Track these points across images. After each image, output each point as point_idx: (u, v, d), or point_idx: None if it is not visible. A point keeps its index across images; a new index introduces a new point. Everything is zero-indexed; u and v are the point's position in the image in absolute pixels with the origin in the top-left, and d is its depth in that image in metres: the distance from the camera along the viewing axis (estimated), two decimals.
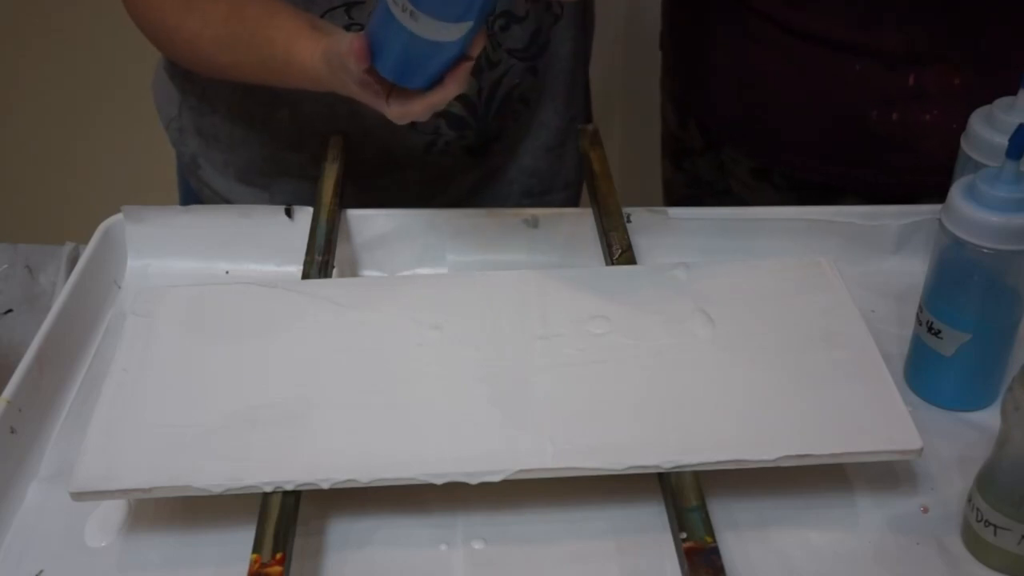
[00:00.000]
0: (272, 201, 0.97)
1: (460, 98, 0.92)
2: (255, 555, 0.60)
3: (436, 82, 0.71)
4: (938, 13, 0.88)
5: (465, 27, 0.67)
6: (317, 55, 0.76)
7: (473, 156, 0.97)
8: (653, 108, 1.23)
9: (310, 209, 0.87)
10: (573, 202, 1.08)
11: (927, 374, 0.76)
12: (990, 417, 0.73)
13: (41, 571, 0.65)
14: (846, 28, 0.91)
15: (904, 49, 0.89)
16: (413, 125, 0.93)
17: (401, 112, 0.72)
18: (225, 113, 0.96)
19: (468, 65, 0.70)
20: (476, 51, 0.70)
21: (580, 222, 0.89)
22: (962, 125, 0.80)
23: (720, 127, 1.06)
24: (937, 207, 0.72)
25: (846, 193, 0.98)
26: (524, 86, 0.96)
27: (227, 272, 0.88)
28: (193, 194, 1.04)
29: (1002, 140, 0.69)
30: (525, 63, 0.95)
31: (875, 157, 0.96)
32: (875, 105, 0.93)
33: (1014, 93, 0.77)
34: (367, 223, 0.89)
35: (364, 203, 0.90)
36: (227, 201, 1.00)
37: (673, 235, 0.89)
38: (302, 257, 0.83)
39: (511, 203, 1.02)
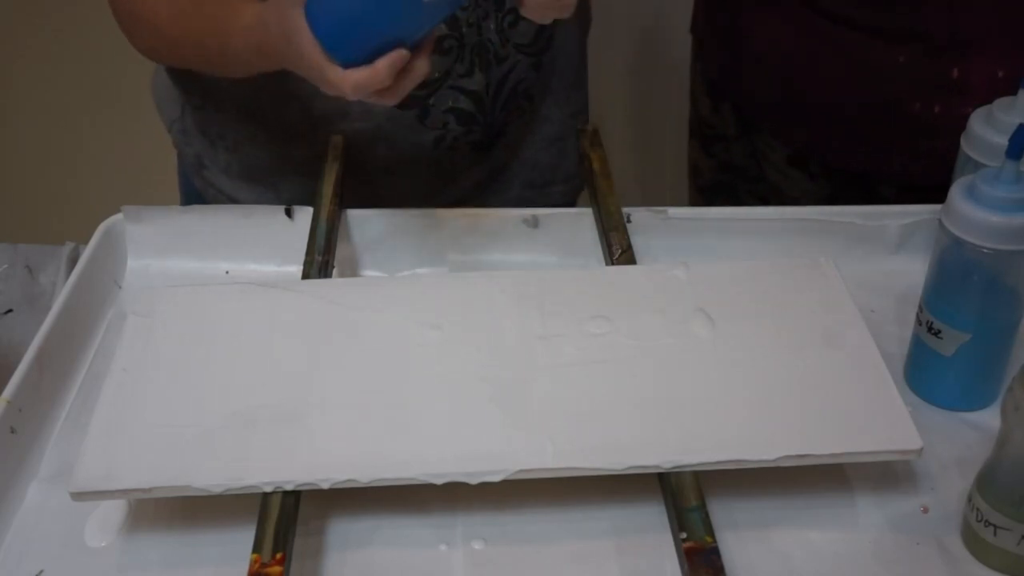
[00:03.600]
0: (279, 200, 0.97)
1: (468, 94, 0.93)
2: (255, 555, 0.60)
3: (365, 62, 0.69)
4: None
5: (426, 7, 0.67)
6: (267, 14, 0.75)
7: (479, 151, 0.98)
8: (654, 107, 1.23)
9: (310, 209, 0.87)
10: (574, 195, 1.09)
11: (927, 374, 0.76)
12: (990, 417, 0.73)
13: (41, 571, 0.65)
14: (890, 14, 0.90)
15: (949, 37, 0.89)
16: (422, 121, 0.93)
17: (335, 80, 0.71)
18: (233, 112, 0.96)
19: (403, 55, 0.69)
20: (421, 47, 0.71)
21: (580, 222, 0.89)
22: None
23: (756, 113, 1.05)
24: (937, 207, 0.72)
25: (881, 182, 0.98)
26: (529, 81, 0.97)
27: (227, 272, 0.88)
28: (196, 194, 1.03)
29: (1002, 140, 0.69)
30: (531, 58, 0.96)
31: (914, 148, 0.95)
32: (917, 97, 0.92)
33: None
34: (367, 223, 0.89)
35: (365, 203, 0.90)
36: (233, 200, 1.00)
37: (673, 235, 0.89)
38: (302, 257, 0.83)
39: (513, 196, 1.02)
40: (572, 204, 1.09)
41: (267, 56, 0.77)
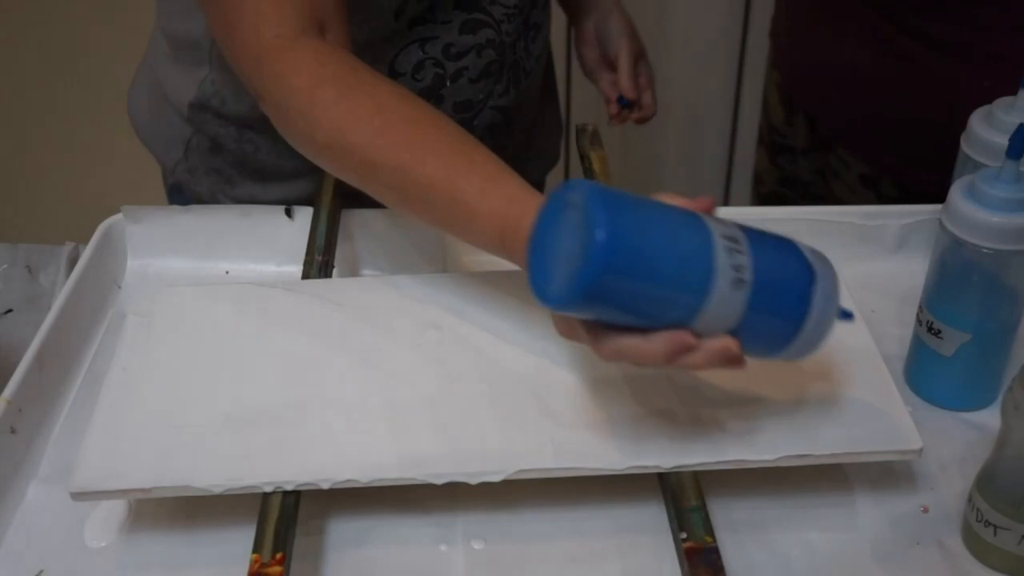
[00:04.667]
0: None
1: (501, 110, 0.96)
2: (255, 555, 0.60)
3: (640, 329, 0.57)
4: None
5: (732, 312, 0.57)
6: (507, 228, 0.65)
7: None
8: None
9: (310, 209, 0.87)
10: (547, 169, 1.14)
11: (927, 374, 0.76)
12: (990, 417, 0.73)
13: (41, 571, 0.65)
14: (975, 35, 0.88)
15: None
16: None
17: (609, 350, 0.59)
18: (270, 145, 0.95)
19: (688, 339, 0.57)
20: (711, 341, 0.58)
21: None
22: None
23: (834, 127, 1.04)
24: (937, 207, 0.72)
25: None
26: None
27: (227, 272, 0.88)
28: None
29: (1002, 140, 0.69)
30: (541, 65, 0.99)
31: None
32: None
33: None
34: (367, 223, 0.89)
35: (364, 203, 0.90)
36: None
37: None
38: (302, 257, 0.83)
39: None
40: (545, 177, 1.15)
41: (506, 247, 0.66)
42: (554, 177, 1.21)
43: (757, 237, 0.58)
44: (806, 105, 1.08)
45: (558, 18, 1.12)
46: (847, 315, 0.62)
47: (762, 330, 0.58)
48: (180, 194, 1.01)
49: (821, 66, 1.04)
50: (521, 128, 1.02)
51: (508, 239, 0.64)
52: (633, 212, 0.55)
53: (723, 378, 0.70)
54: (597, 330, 0.58)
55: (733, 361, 0.58)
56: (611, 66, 1.12)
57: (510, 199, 0.65)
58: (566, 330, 0.62)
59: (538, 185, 1.16)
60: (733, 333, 0.57)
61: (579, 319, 0.58)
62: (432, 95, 0.92)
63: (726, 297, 0.55)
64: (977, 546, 0.65)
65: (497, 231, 0.65)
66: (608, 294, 0.54)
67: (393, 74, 0.90)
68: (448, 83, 0.92)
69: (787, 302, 0.58)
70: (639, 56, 1.11)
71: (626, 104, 1.08)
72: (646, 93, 1.10)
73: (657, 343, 0.57)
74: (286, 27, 0.71)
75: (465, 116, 0.94)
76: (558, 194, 0.57)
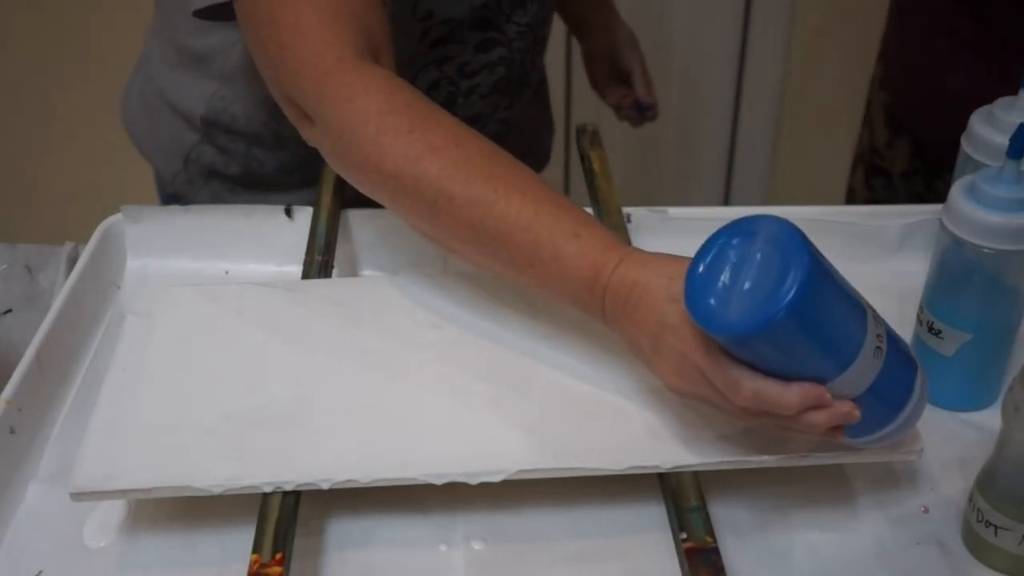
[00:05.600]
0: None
1: (505, 121, 0.98)
2: (255, 555, 0.60)
3: (784, 374, 0.58)
4: None
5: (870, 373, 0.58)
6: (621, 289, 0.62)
7: None
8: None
9: (310, 209, 0.87)
10: (540, 167, 1.15)
11: (927, 374, 0.75)
12: (990, 417, 0.73)
13: (41, 571, 0.65)
14: None
15: None
16: None
17: (749, 391, 0.58)
18: (277, 162, 0.95)
19: (824, 395, 0.58)
20: (841, 403, 0.59)
21: None
22: None
23: (942, 152, 1.03)
24: (937, 207, 0.72)
25: None
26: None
27: (227, 272, 0.88)
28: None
29: (1003, 140, 0.69)
30: (540, 74, 1.02)
31: None
32: None
33: None
34: (367, 223, 0.89)
35: (364, 203, 0.90)
36: None
37: (673, 235, 0.88)
38: (302, 257, 0.83)
39: None
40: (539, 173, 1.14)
41: (594, 293, 0.64)
42: (550, 179, 1.21)
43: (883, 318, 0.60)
44: (914, 128, 1.08)
45: (558, 19, 1.12)
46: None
47: (874, 406, 0.60)
48: (177, 204, 1.01)
49: (936, 92, 1.04)
50: (517, 134, 1.02)
51: (599, 285, 0.63)
52: (821, 256, 0.57)
53: None
54: (737, 372, 0.58)
55: (844, 426, 0.60)
56: (621, 78, 1.17)
57: (605, 245, 0.64)
58: (687, 386, 0.61)
59: None
60: None
61: (725, 357, 0.58)
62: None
63: (867, 362, 0.57)
64: (978, 546, 0.65)
65: (587, 275, 0.63)
66: (787, 332, 0.55)
67: None
68: (460, 100, 0.92)
69: (900, 382, 0.60)
70: (644, 64, 1.17)
71: (642, 110, 1.17)
72: (654, 96, 1.17)
73: (795, 392, 0.57)
74: (347, 51, 0.68)
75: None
76: (734, 227, 0.58)
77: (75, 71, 1.81)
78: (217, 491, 0.63)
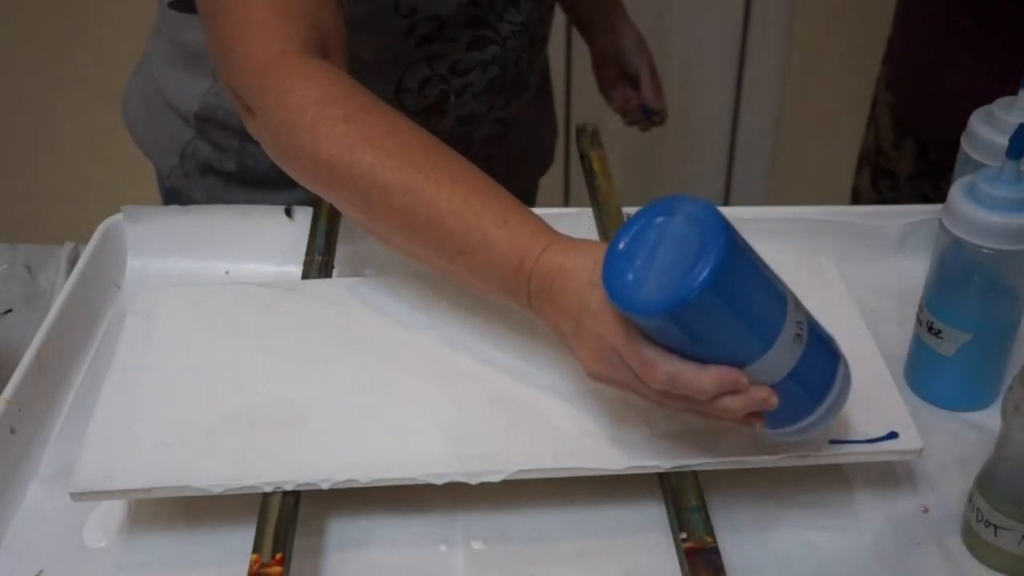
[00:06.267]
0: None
1: (501, 122, 0.98)
2: (255, 555, 0.60)
3: (700, 358, 0.57)
4: None
5: (792, 357, 0.58)
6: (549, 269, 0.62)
7: (491, 158, 1.01)
8: None
9: (310, 209, 0.87)
10: (543, 172, 1.16)
11: (927, 374, 0.75)
12: (990, 417, 0.73)
13: (41, 571, 0.65)
14: None
15: None
16: (464, 152, 0.96)
17: (664, 373, 0.58)
18: (271, 160, 0.95)
19: (741, 379, 0.57)
20: (758, 388, 0.58)
21: (580, 222, 0.89)
22: None
23: (946, 154, 1.03)
24: (937, 207, 0.72)
25: None
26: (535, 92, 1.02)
27: (227, 272, 0.88)
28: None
29: (1002, 140, 0.69)
30: (539, 74, 1.02)
31: None
32: None
33: None
34: None
35: None
36: None
37: None
38: (302, 257, 0.83)
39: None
40: (538, 179, 1.17)
41: (519, 281, 0.64)
42: (550, 179, 1.21)
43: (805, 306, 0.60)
44: (918, 130, 1.08)
45: (558, 18, 1.12)
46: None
47: (793, 395, 0.59)
48: (175, 199, 1.01)
49: (938, 92, 1.04)
50: (517, 135, 1.02)
51: (525, 270, 0.63)
52: (741, 237, 0.56)
53: None
54: (653, 354, 0.57)
55: (763, 411, 0.59)
56: (630, 81, 1.16)
57: (533, 231, 0.64)
58: (605, 369, 0.61)
59: (532, 188, 1.17)
60: None
61: (642, 340, 0.58)
62: (436, 110, 0.92)
63: (786, 348, 0.57)
64: (977, 546, 0.65)
65: (513, 260, 0.63)
66: (703, 311, 0.54)
67: (400, 91, 0.90)
68: (452, 98, 0.92)
69: (821, 372, 0.60)
70: (653, 67, 1.16)
71: (649, 113, 1.16)
72: (663, 100, 1.16)
73: (711, 375, 0.57)
74: (292, 45, 0.69)
75: (467, 129, 0.95)
76: (656, 207, 0.57)
77: (75, 71, 1.81)
78: (217, 491, 0.63)
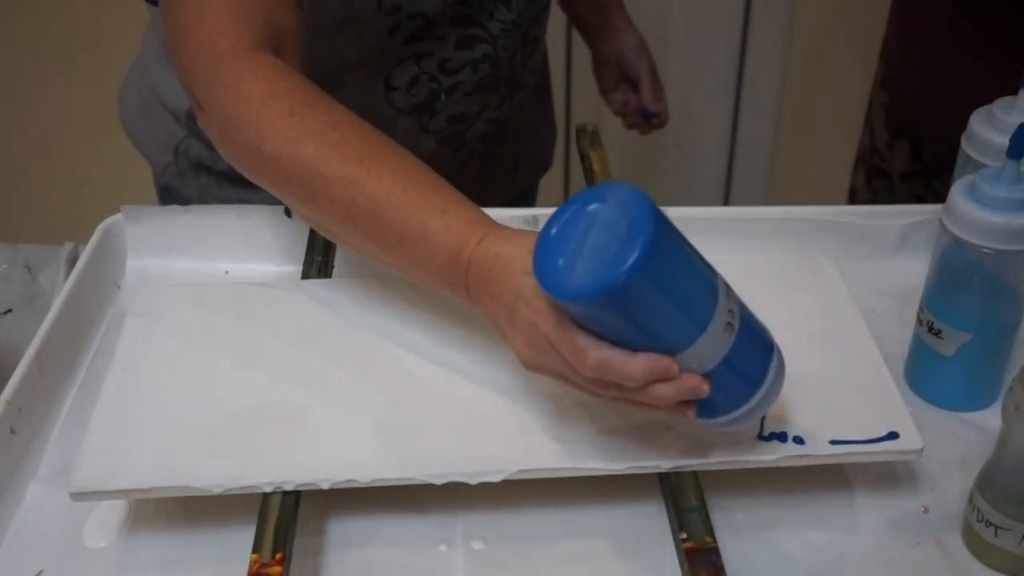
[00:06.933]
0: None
1: (495, 122, 0.97)
2: (255, 555, 0.60)
3: (630, 345, 0.57)
4: None
5: (722, 347, 0.57)
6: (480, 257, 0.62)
7: (489, 159, 1.01)
8: None
9: None
10: (541, 174, 1.16)
11: (928, 374, 0.75)
12: (991, 417, 0.73)
13: (41, 571, 0.65)
14: None
15: None
16: (457, 151, 0.97)
17: (594, 360, 0.57)
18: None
19: (672, 367, 0.57)
20: (688, 376, 0.58)
21: None
22: None
23: (939, 153, 1.03)
24: (938, 207, 0.72)
25: None
26: (531, 95, 1.02)
27: (227, 272, 0.88)
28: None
29: (1003, 140, 0.69)
30: (537, 77, 1.02)
31: None
32: None
33: None
34: None
35: None
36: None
37: None
38: (302, 257, 0.83)
39: (502, 184, 1.06)
40: (538, 180, 1.17)
41: (456, 270, 0.64)
42: (550, 181, 1.21)
43: (738, 296, 0.60)
44: (912, 129, 1.08)
45: (557, 17, 1.12)
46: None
47: (725, 384, 0.59)
48: (170, 196, 1.01)
49: (932, 91, 1.04)
50: (514, 135, 1.02)
51: (463, 259, 0.63)
52: (671, 224, 0.56)
53: None
54: (583, 340, 0.57)
55: (694, 400, 0.59)
56: (630, 84, 1.16)
57: (472, 221, 0.64)
58: (538, 357, 0.61)
59: (531, 190, 1.17)
60: None
61: (573, 327, 0.57)
62: (426, 109, 0.92)
63: (716, 337, 0.57)
64: (978, 546, 0.65)
65: (451, 250, 0.63)
66: (631, 297, 0.54)
67: (388, 89, 0.90)
68: (443, 97, 0.92)
69: (753, 362, 0.60)
70: (654, 71, 1.16)
71: (647, 117, 1.16)
72: (663, 104, 1.16)
73: (641, 362, 0.57)
74: (243, 41, 0.70)
75: (459, 128, 0.95)
76: (588, 193, 0.57)
77: (75, 71, 1.81)
78: (217, 491, 0.63)
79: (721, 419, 0.60)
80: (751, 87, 1.83)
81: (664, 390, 0.58)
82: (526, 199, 1.16)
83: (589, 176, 0.92)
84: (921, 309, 0.74)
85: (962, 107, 0.88)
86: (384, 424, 0.67)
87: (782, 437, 0.65)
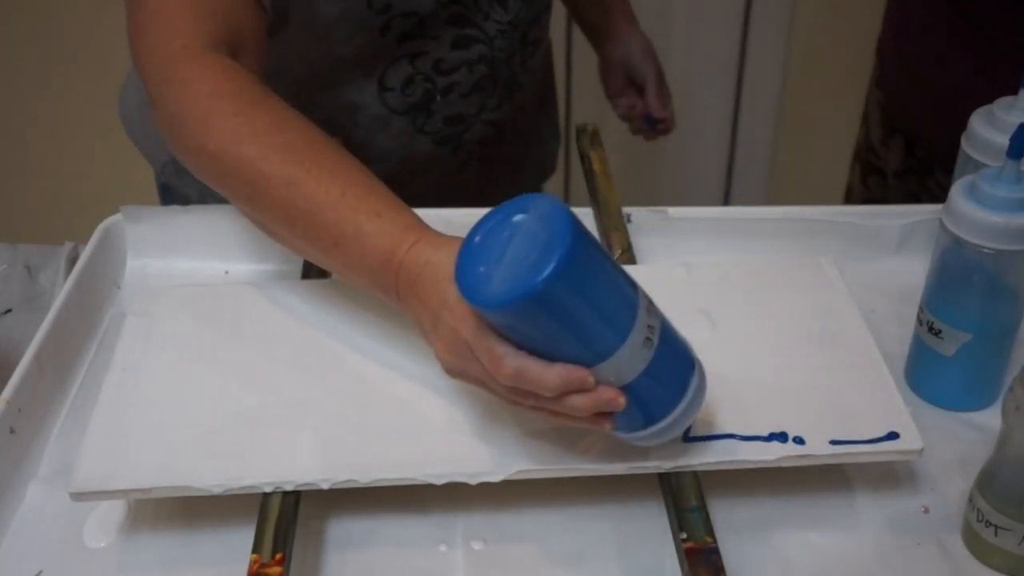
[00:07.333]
0: None
1: (494, 124, 0.98)
2: (255, 555, 0.60)
3: (547, 355, 0.57)
4: None
5: (642, 356, 0.58)
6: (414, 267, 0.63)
7: (489, 161, 1.01)
8: None
9: None
10: (545, 177, 1.16)
11: (928, 374, 0.75)
12: (991, 417, 0.73)
13: (40, 571, 0.64)
14: None
15: None
16: (455, 152, 0.97)
17: (511, 368, 0.58)
18: None
19: (587, 378, 0.57)
20: (604, 388, 0.58)
21: None
22: None
23: (932, 151, 1.03)
24: (938, 207, 0.72)
25: None
26: (531, 96, 1.02)
27: (227, 272, 0.88)
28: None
29: (1003, 140, 0.69)
30: (538, 77, 1.02)
31: None
32: None
33: None
34: None
35: None
36: None
37: (673, 235, 0.88)
38: (302, 257, 0.83)
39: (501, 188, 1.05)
40: (542, 185, 1.17)
41: (388, 272, 0.65)
42: (551, 186, 1.21)
43: (661, 312, 0.60)
44: (906, 126, 1.08)
45: (557, 17, 1.12)
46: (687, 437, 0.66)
47: (643, 398, 0.59)
48: (170, 194, 1.01)
49: (926, 89, 1.04)
50: (514, 138, 1.02)
51: (394, 263, 0.63)
52: (591, 237, 0.56)
53: (724, 378, 0.70)
54: (501, 348, 0.58)
55: (607, 413, 0.59)
56: (636, 88, 1.15)
57: (405, 226, 0.65)
58: (458, 363, 0.61)
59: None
60: None
61: (492, 335, 0.58)
62: (422, 109, 0.92)
63: (635, 351, 0.57)
64: (978, 546, 0.65)
65: (384, 253, 0.64)
66: (547, 307, 0.54)
67: (383, 89, 0.90)
68: (438, 97, 0.92)
69: (672, 378, 0.60)
70: (661, 76, 1.15)
71: (653, 122, 1.15)
72: (669, 110, 1.15)
73: (556, 372, 0.57)
74: (198, 40, 0.71)
75: (456, 130, 0.95)
76: (512, 204, 0.58)
77: (75, 71, 1.81)
78: (217, 491, 0.63)
79: (640, 433, 0.61)
80: (751, 87, 1.83)
81: (580, 401, 0.58)
82: None
83: (589, 176, 0.92)
84: (921, 309, 0.74)
85: (954, 105, 0.88)
86: (384, 424, 0.67)
87: (782, 437, 0.65)
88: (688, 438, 0.65)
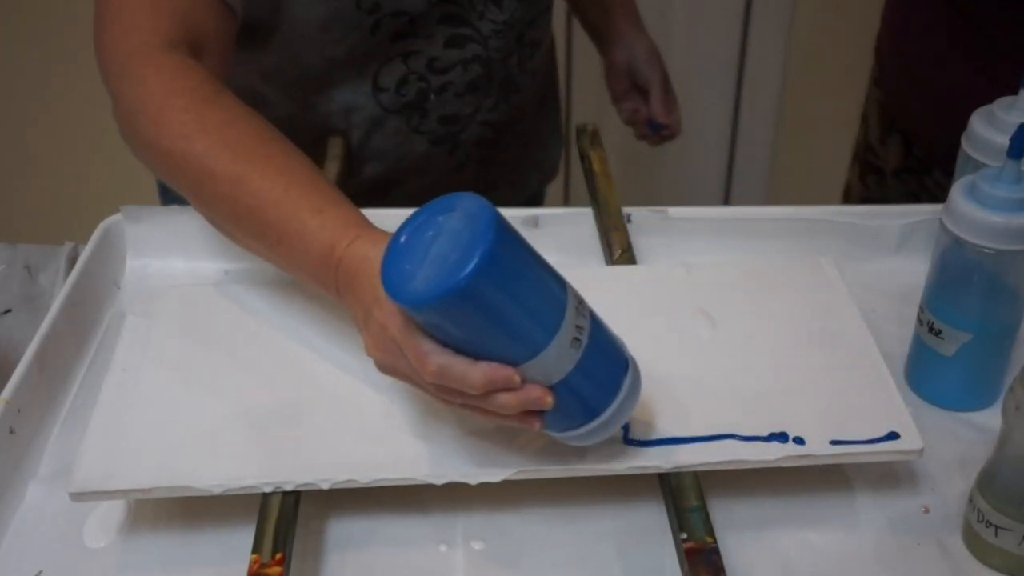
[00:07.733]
0: None
1: (491, 125, 0.97)
2: (255, 555, 0.60)
3: (473, 354, 0.57)
4: None
5: (565, 363, 0.58)
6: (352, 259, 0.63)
7: (488, 163, 1.01)
8: None
9: None
10: (549, 180, 1.17)
11: (928, 374, 0.75)
12: (991, 417, 0.73)
13: (40, 571, 0.64)
14: None
15: None
16: (452, 153, 0.96)
17: (435, 365, 0.58)
18: None
19: (513, 377, 0.57)
20: (532, 387, 0.58)
21: (580, 222, 0.89)
22: None
23: (930, 150, 1.03)
24: (938, 207, 0.72)
25: None
26: (531, 97, 1.02)
27: (226, 272, 0.88)
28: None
29: (1003, 140, 0.69)
30: (538, 79, 1.02)
31: None
32: None
33: None
34: None
35: (363, 202, 0.91)
36: None
37: (673, 235, 0.88)
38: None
39: (503, 191, 1.06)
40: (544, 188, 1.17)
41: (328, 268, 0.65)
42: (554, 189, 1.21)
43: (594, 313, 0.60)
44: (904, 126, 1.08)
45: (557, 17, 1.12)
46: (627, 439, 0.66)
47: (572, 398, 0.59)
48: (169, 194, 1.01)
49: (924, 88, 1.04)
50: (514, 140, 1.02)
51: (334, 259, 0.64)
52: (517, 236, 0.56)
53: (724, 379, 0.70)
54: (427, 346, 0.58)
55: (537, 412, 0.59)
56: (640, 93, 1.15)
57: (346, 222, 0.65)
58: (388, 360, 0.61)
59: (536, 197, 1.16)
60: None
61: (418, 332, 0.58)
62: (416, 108, 0.92)
63: (562, 351, 0.57)
64: (978, 546, 0.65)
65: (325, 249, 0.64)
66: (469, 305, 0.54)
67: (377, 89, 0.90)
68: (433, 96, 0.92)
69: (602, 379, 0.60)
70: (666, 81, 1.13)
71: (656, 128, 1.14)
72: (674, 116, 1.14)
73: (481, 370, 0.57)
74: (157, 38, 0.72)
75: (452, 129, 0.95)
76: (439, 202, 0.58)
77: (75, 71, 1.81)
78: (217, 491, 0.63)
79: (572, 432, 0.61)
80: (751, 87, 1.83)
81: (506, 399, 0.58)
82: (532, 205, 1.16)
83: (589, 176, 0.92)
84: (921, 309, 0.74)
85: (954, 104, 0.88)
86: (384, 424, 0.67)
87: (782, 437, 0.65)
88: (627, 441, 0.65)
